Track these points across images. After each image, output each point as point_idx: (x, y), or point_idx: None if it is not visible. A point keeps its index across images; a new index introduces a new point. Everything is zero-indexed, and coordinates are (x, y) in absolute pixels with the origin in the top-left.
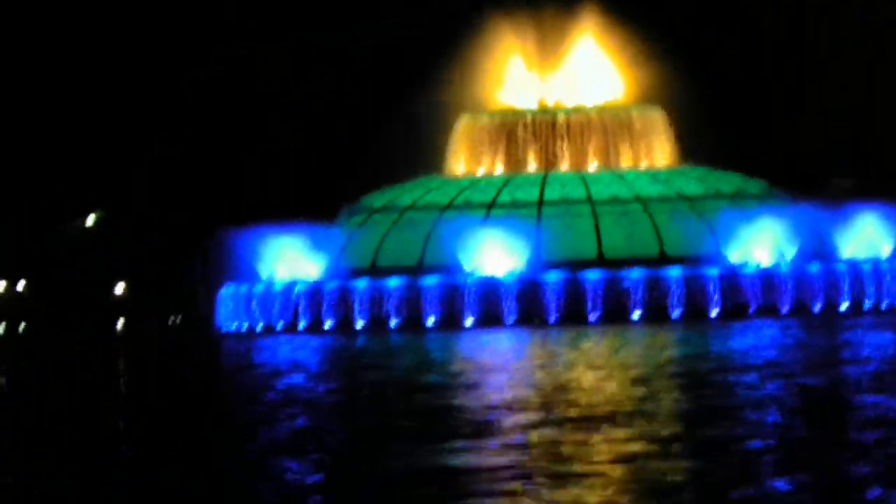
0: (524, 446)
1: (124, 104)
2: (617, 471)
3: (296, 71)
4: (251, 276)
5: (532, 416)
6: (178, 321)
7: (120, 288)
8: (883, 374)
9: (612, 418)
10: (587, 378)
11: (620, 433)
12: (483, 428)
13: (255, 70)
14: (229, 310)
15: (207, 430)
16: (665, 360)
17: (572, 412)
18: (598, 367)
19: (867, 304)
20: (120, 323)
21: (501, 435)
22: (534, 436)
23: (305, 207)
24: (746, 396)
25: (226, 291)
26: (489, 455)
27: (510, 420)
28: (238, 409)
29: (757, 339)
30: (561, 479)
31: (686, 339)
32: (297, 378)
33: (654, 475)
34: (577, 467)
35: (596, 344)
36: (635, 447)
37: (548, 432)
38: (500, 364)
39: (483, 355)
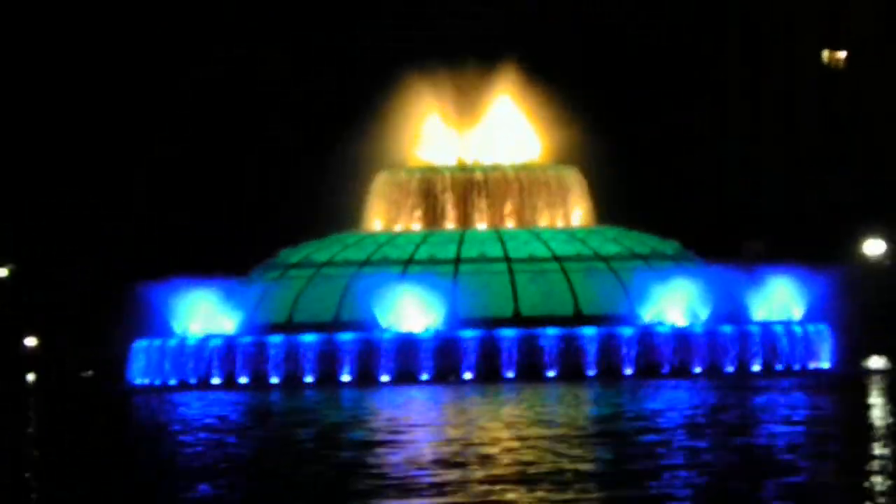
0: None
1: (39, 152)
2: None
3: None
4: (165, 330)
5: (456, 475)
6: (89, 375)
7: (31, 341)
8: (803, 436)
9: (535, 479)
10: (506, 436)
11: (544, 494)
12: (406, 486)
13: (182, 121)
14: (142, 364)
15: (115, 486)
16: (584, 418)
17: (497, 471)
18: (517, 425)
19: (779, 366)
20: (31, 376)
21: (424, 495)
22: (459, 495)
23: (220, 263)
24: (669, 456)
25: (139, 346)
26: None
27: (434, 478)
28: (148, 466)
29: (674, 399)
30: None
31: (602, 397)
32: (214, 434)
33: None
34: None
35: (515, 402)
36: None
37: (477, 489)
38: (421, 421)
39: (402, 412)
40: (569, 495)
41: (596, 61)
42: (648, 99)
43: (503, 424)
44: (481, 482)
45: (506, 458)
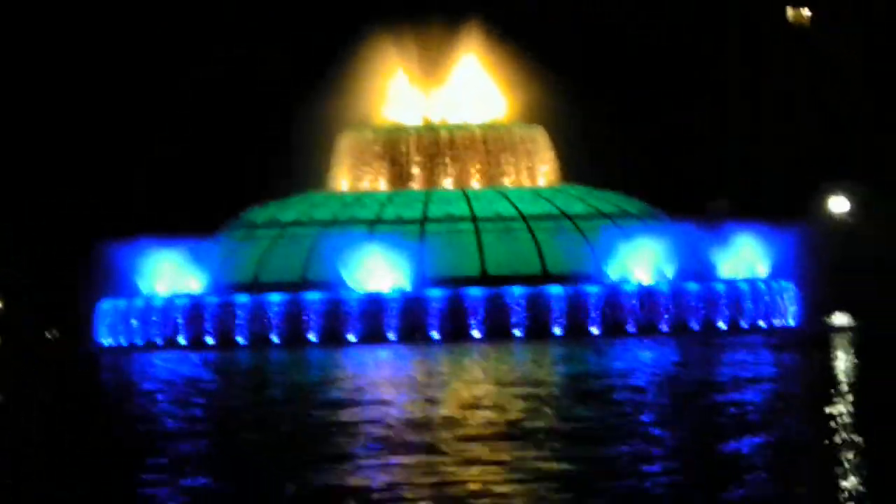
0: (435, 464)
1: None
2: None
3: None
4: (131, 290)
5: (442, 433)
6: (55, 335)
7: None
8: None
9: (513, 436)
10: (482, 393)
11: (524, 452)
12: (390, 444)
13: (147, 78)
14: (108, 324)
15: (88, 450)
16: (555, 376)
17: (474, 431)
18: (492, 382)
19: (744, 323)
20: None
21: (408, 453)
22: (441, 454)
23: (186, 221)
24: (641, 414)
25: (105, 306)
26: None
27: (414, 438)
28: (123, 429)
29: (645, 356)
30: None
31: (571, 355)
32: (190, 394)
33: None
34: (495, 487)
35: (486, 360)
36: (548, 466)
37: (456, 447)
38: (395, 380)
39: (375, 372)
40: (545, 452)
41: (558, 17)
42: (611, 56)
43: (476, 383)
44: (460, 440)
45: (481, 417)
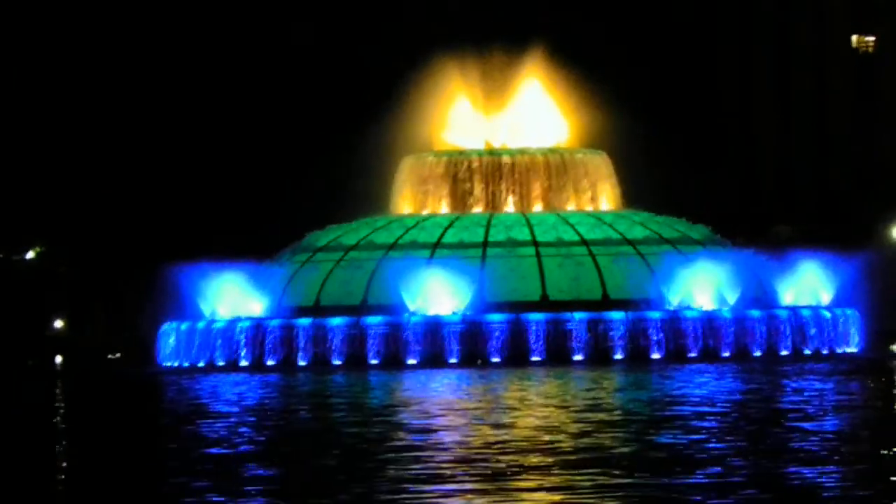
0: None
1: (69, 135)
2: None
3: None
4: (193, 313)
5: (531, 460)
6: (118, 357)
7: (59, 323)
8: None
9: (605, 461)
10: (561, 419)
11: (609, 479)
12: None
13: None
14: (170, 346)
15: (157, 471)
16: (627, 402)
17: (570, 457)
18: (568, 408)
19: (807, 350)
20: (58, 358)
21: (507, 480)
22: (544, 481)
23: (248, 245)
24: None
25: (167, 328)
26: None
27: (511, 463)
28: (194, 448)
29: (722, 384)
30: None
31: (637, 381)
32: (258, 417)
33: None
34: None
35: (550, 385)
36: (636, 493)
37: (557, 476)
38: (462, 404)
39: (449, 395)
40: (632, 479)
41: (623, 44)
42: (677, 83)
43: (555, 408)
44: (559, 467)
45: (572, 442)
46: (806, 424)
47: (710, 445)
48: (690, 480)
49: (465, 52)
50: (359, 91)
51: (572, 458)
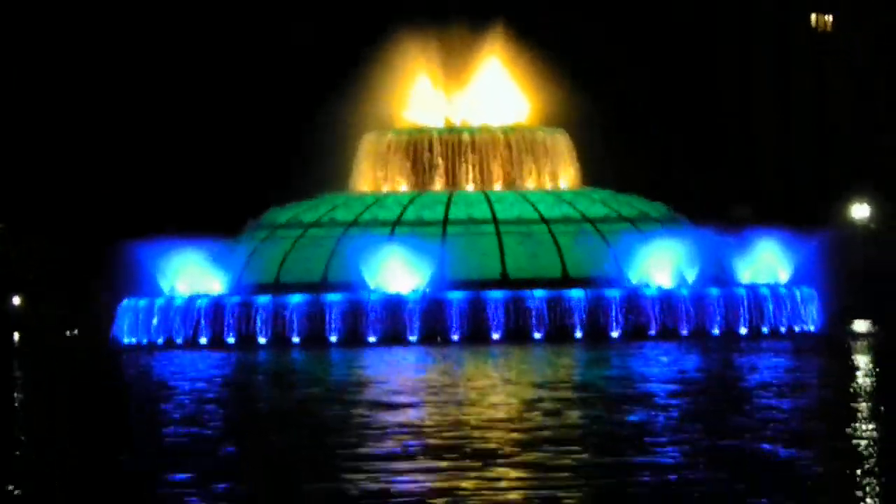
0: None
1: (27, 112)
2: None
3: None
4: (152, 289)
5: (499, 437)
6: (75, 334)
7: (17, 300)
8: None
9: (575, 440)
10: (529, 396)
11: (583, 456)
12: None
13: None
14: (129, 323)
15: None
16: (591, 379)
17: (540, 433)
18: (536, 385)
19: (765, 328)
20: (16, 335)
21: (481, 459)
22: (519, 459)
23: (208, 222)
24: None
25: (126, 304)
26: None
27: (478, 442)
28: (154, 427)
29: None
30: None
31: (598, 358)
32: (215, 394)
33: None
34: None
35: (512, 362)
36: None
37: (532, 453)
38: (424, 381)
39: (410, 373)
40: (607, 459)
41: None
42: (639, 60)
43: (514, 386)
44: (528, 444)
45: (538, 420)
46: (769, 401)
47: (675, 423)
48: (658, 460)
49: (425, 28)
50: (320, 67)
51: (543, 434)
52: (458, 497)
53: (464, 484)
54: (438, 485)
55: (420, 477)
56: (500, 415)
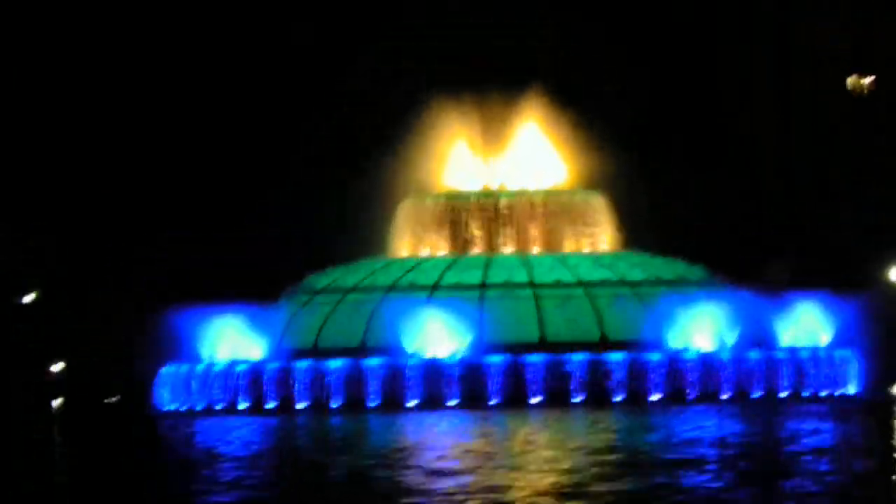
0: None
1: (63, 173)
2: None
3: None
4: (192, 356)
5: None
6: (115, 400)
7: (57, 366)
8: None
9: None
10: (578, 462)
11: None
12: None
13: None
14: (169, 390)
15: None
16: (642, 443)
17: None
18: (585, 451)
19: (806, 392)
20: (56, 401)
21: None
22: None
23: (247, 289)
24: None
25: (166, 371)
26: None
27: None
28: (200, 494)
29: (723, 424)
30: None
31: (642, 423)
32: (262, 463)
33: None
34: None
35: (566, 427)
36: None
37: None
38: (474, 447)
39: (461, 438)
40: None
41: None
42: (674, 120)
43: (570, 451)
44: None
45: (600, 486)
46: (817, 466)
47: (734, 487)
48: None
49: (462, 94)
50: (359, 133)
51: (605, 500)
52: None
53: None
54: None
55: None
56: (560, 481)
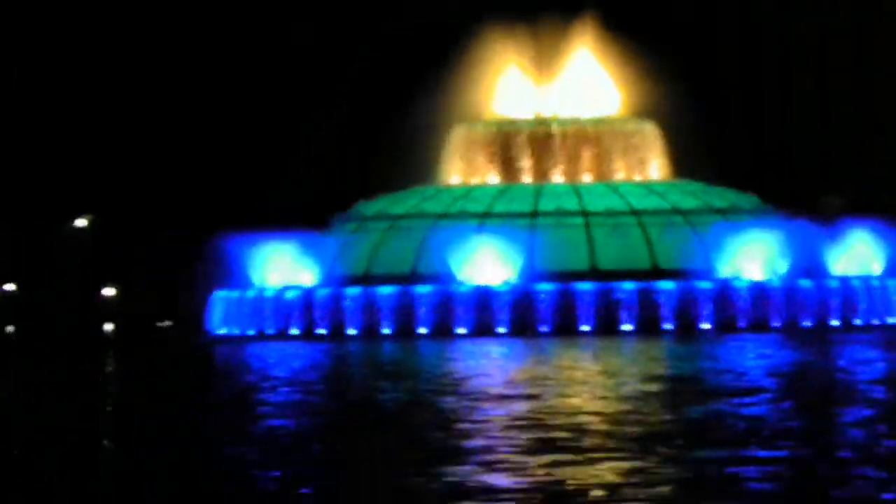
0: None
1: (120, 108)
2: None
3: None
4: (244, 281)
5: (619, 429)
6: (167, 325)
7: (110, 291)
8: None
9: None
10: (635, 388)
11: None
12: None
13: (249, 74)
14: (221, 315)
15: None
16: (697, 371)
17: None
18: (639, 378)
19: (857, 320)
20: (108, 326)
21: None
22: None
23: (299, 214)
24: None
25: (218, 296)
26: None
27: (632, 433)
28: (255, 419)
29: (766, 353)
30: None
31: (695, 351)
32: (318, 386)
33: None
34: None
35: (618, 355)
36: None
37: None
38: (536, 373)
39: (514, 365)
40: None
41: (672, 14)
42: (725, 52)
43: (624, 378)
44: (634, 438)
45: (644, 414)
46: (873, 394)
47: (793, 416)
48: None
49: (515, 21)
50: (412, 61)
51: (666, 428)
52: (612, 489)
53: (609, 477)
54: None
55: (561, 470)
56: (619, 407)
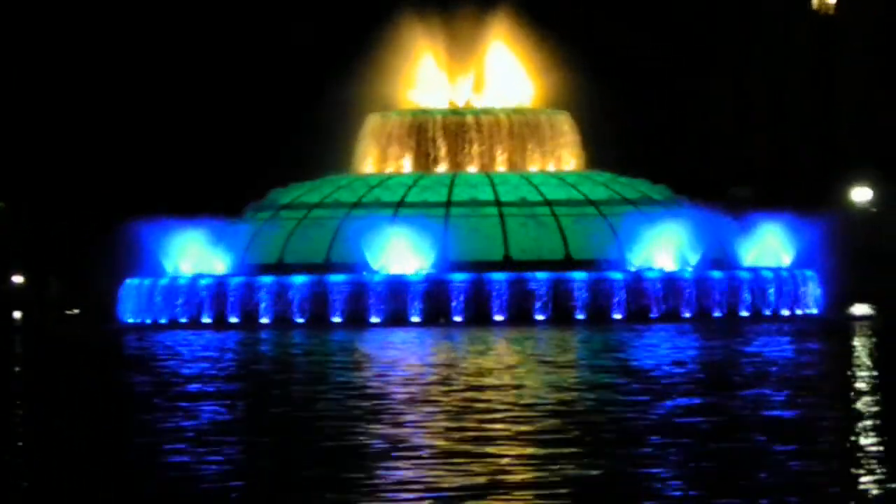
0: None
1: (29, 93)
2: None
3: (205, 65)
4: (155, 269)
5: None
6: (76, 313)
7: (18, 278)
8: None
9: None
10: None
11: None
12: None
13: (173, 59)
14: (132, 303)
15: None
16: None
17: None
18: (571, 367)
19: (767, 311)
20: (17, 314)
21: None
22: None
23: (211, 202)
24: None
25: (129, 284)
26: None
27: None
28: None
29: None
30: None
31: (610, 341)
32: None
33: None
34: None
35: (535, 344)
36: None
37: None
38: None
39: (423, 354)
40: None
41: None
42: (636, 44)
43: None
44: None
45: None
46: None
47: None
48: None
49: (430, 10)
50: (324, 49)
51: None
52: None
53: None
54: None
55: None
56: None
